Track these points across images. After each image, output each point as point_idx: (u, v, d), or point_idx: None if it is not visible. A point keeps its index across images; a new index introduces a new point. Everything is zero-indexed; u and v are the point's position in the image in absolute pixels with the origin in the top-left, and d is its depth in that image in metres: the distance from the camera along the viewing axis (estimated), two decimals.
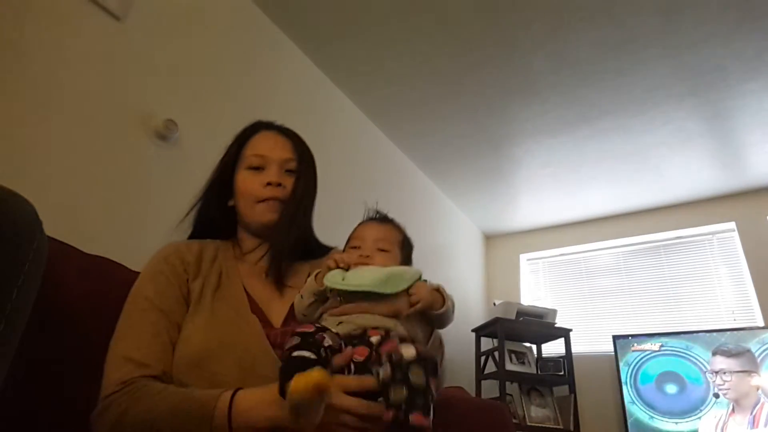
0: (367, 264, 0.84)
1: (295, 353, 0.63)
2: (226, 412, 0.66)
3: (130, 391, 0.73)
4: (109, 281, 1.04)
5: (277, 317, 0.88)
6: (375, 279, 0.76)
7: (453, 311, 0.85)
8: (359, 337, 0.71)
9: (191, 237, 1.02)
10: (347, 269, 0.81)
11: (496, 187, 3.59)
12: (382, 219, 0.95)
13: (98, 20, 1.59)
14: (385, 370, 0.61)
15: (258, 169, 0.97)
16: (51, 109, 1.42)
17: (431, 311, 0.80)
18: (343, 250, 0.92)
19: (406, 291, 0.78)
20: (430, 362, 0.62)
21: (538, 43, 2.31)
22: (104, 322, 0.92)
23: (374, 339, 0.70)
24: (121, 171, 1.58)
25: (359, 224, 0.95)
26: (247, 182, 0.96)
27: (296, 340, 0.66)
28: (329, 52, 2.43)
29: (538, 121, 2.85)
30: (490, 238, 4.34)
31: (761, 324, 3.00)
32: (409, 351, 0.62)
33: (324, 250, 1.04)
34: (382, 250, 0.87)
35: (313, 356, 0.63)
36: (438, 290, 0.83)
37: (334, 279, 0.78)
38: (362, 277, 0.78)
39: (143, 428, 0.70)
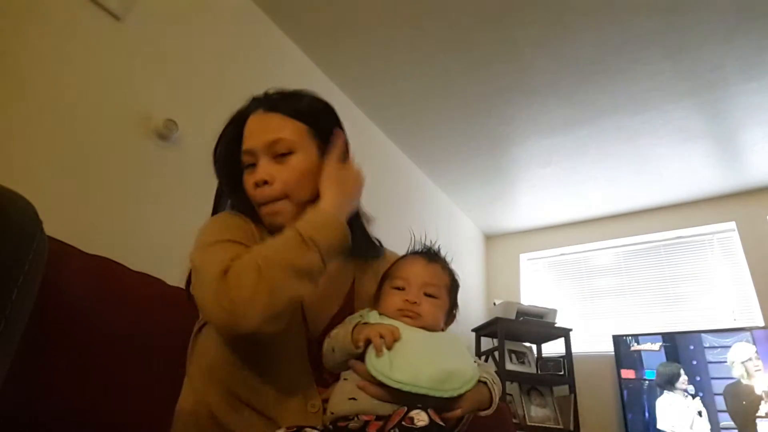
0: (414, 314, 0.75)
1: None
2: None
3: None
4: (109, 281, 1.05)
5: (318, 320, 0.81)
6: (432, 379, 0.65)
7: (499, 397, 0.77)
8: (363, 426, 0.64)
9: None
10: (391, 344, 0.68)
11: (496, 186, 3.59)
12: (431, 257, 0.85)
13: (98, 20, 1.59)
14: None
15: (251, 166, 0.84)
16: (51, 108, 1.43)
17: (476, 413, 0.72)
18: (380, 287, 0.83)
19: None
20: (441, 428, 0.60)
21: (538, 43, 2.31)
22: (104, 322, 0.92)
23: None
24: (121, 171, 1.58)
25: (403, 258, 0.85)
26: (246, 185, 0.85)
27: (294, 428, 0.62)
28: (329, 52, 2.43)
29: (538, 121, 2.85)
30: (490, 238, 4.34)
31: (761, 324, 3.00)
32: (420, 418, 0.59)
33: (372, 246, 0.94)
34: (430, 296, 0.78)
35: None
36: (486, 385, 0.74)
37: (382, 367, 0.65)
38: (417, 373, 0.65)
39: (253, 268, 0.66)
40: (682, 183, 3.36)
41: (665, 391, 2.95)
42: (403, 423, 0.58)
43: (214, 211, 0.91)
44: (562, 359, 3.18)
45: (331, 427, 0.66)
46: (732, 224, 3.37)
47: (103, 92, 1.57)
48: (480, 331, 3.31)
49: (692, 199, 3.53)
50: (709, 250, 3.47)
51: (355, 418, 0.65)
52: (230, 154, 0.87)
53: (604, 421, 3.19)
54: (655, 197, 3.57)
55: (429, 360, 0.68)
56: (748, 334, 2.87)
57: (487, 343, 3.29)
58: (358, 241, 0.88)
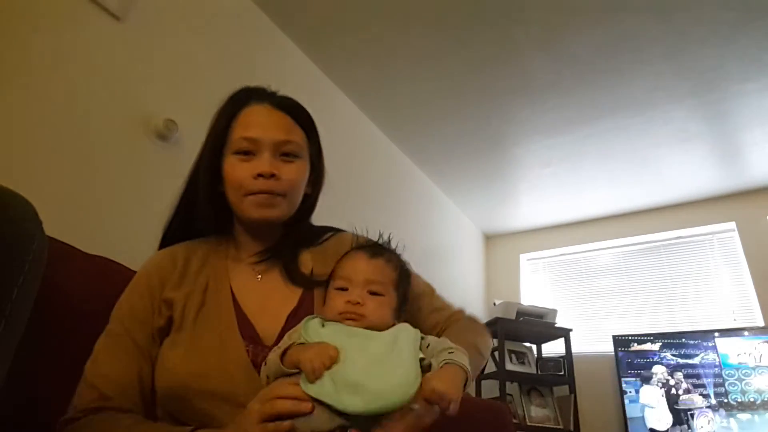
0: (357, 315, 0.70)
1: None
2: None
3: (88, 421, 0.71)
4: (109, 281, 1.04)
5: (271, 326, 0.77)
6: (399, 391, 0.59)
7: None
8: None
9: (169, 230, 0.91)
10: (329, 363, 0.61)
11: (496, 186, 3.59)
12: (374, 251, 0.79)
13: (98, 20, 1.59)
14: None
15: (247, 154, 0.81)
16: (51, 108, 1.42)
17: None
18: (326, 289, 0.79)
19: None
20: None
21: (538, 43, 2.31)
22: (104, 322, 0.92)
23: None
24: (121, 171, 1.58)
25: (346, 256, 0.80)
26: (235, 170, 0.81)
27: None
28: (329, 51, 2.43)
29: (538, 121, 2.85)
30: (490, 238, 4.34)
31: (761, 324, 3.00)
32: None
33: (318, 232, 0.93)
34: (375, 294, 0.73)
35: None
36: (455, 363, 0.64)
37: (326, 391, 0.59)
38: (377, 390, 0.59)
39: None
40: (682, 183, 3.36)
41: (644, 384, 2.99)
42: None
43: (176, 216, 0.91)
44: (562, 359, 3.18)
45: None
46: (732, 224, 3.37)
47: (103, 92, 1.57)
48: None
49: (692, 200, 3.53)
50: (709, 251, 3.47)
51: None
52: (218, 136, 0.85)
53: (604, 421, 3.19)
54: (655, 197, 3.57)
55: (387, 369, 0.62)
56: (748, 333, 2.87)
57: None
58: (305, 236, 0.90)
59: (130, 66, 1.66)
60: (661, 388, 2.96)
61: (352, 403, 0.58)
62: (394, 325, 0.72)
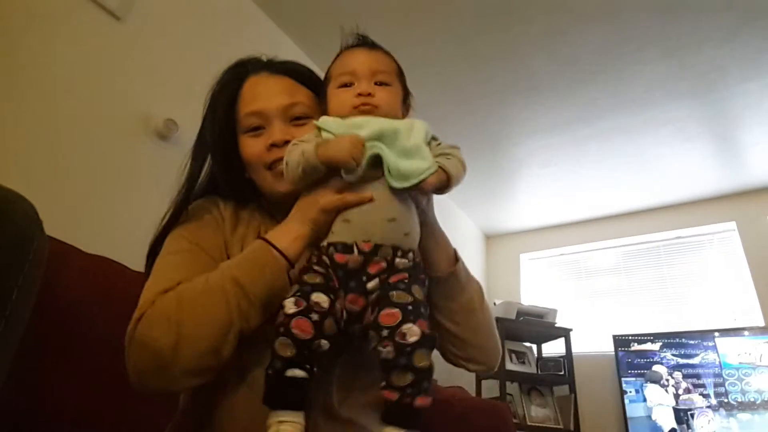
0: (370, 106, 0.68)
1: (289, 372, 0.56)
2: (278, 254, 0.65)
3: (164, 299, 0.64)
4: (109, 281, 1.05)
5: None
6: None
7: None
8: (359, 260, 0.62)
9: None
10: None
11: (496, 186, 3.59)
12: (371, 44, 0.76)
13: (98, 20, 1.59)
14: (387, 352, 0.56)
15: (258, 129, 0.78)
16: (51, 108, 1.43)
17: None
18: (325, 89, 0.74)
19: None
20: (433, 340, 0.58)
21: (538, 43, 2.31)
22: (104, 322, 0.92)
23: (372, 284, 0.61)
24: (121, 170, 1.58)
25: (340, 55, 0.76)
26: (248, 148, 0.78)
27: (291, 350, 0.57)
28: (330, 52, 2.42)
29: (538, 121, 2.85)
30: (490, 238, 4.34)
31: (761, 324, 3.00)
32: (413, 332, 0.56)
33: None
34: (382, 84, 0.71)
35: (306, 376, 0.57)
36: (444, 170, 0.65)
37: (386, 152, 0.62)
38: (414, 162, 0.64)
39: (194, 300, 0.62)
40: (682, 183, 3.36)
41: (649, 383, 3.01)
42: (396, 339, 0.56)
43: (186, 194, 0.81)
44: (562, 359, 3.18)
45: (328, 261, 0.63)
46: (732, 224, 3.37)
47: (103, 92, 1.57)
48: None
49: (692, 199, 3.53)
50: (709, 251, 3.47)
51: (354, 249, 0.62)
52: (223, 118, 0.81)
53: (604, 421, 3.19)
54: (655, 197, 3.57)
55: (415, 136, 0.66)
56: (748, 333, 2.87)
57: None
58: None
59: (130, 66, 1.66)
60: (663, 387, 2.96)
61: (409, 167, 0.62)
62: (403, 117, 0.73)
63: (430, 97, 2.71)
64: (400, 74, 0.77)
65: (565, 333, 3.22)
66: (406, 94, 0.77)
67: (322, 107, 0.77)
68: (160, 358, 0.59)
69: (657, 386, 2.97)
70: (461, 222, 3.95)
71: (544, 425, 3.00)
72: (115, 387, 0.95)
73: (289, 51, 2.38)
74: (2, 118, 1.32)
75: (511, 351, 3.14)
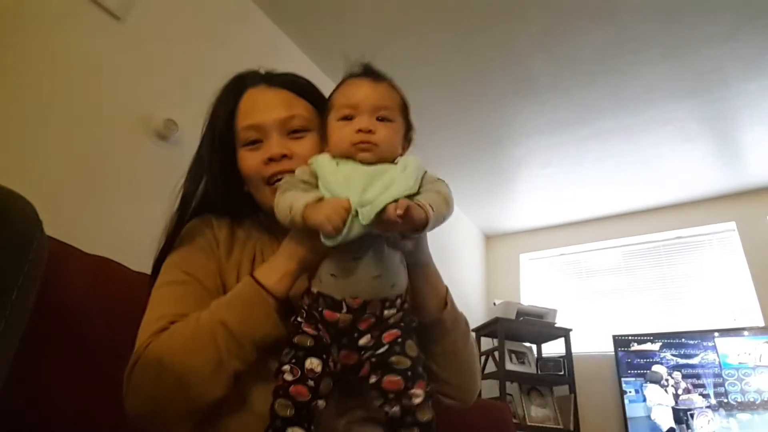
0: (370, 145, 0.66)
1: (289, 431, 0.59)
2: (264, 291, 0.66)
3: (157, 341, 0.65)
4: (109, 281, 1.05)
5: None
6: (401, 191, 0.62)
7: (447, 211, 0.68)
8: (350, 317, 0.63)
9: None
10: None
11: (496, 186, 3.59)
12: (376, 76, 0.73)
13: (98, 20, 1.59)
14: (394, 412, 0.60)
15: (255, 143, 0.78)
16: (51, 108, 1.42)
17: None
18: (325, 120, 0.72)
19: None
20: (431, 395, 0.63)
21: (538, 44, 2.31)
22: (104, 322, 0.92)
23: (364, 340, 0.64)
24: (121, 171, 1.58)
25: (343, 84, 0.74)
26: (246, 162, 0.78)
27: (290, 410, 0.59)
28: (329, 51, 2.42)
29: (538, 121, 2.85)
30: (490, 238, 4.34)
31: (761, 324, 3.00)
32: (416, 395, 0.60)
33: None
34: (384, 120, 0.69)
35: None
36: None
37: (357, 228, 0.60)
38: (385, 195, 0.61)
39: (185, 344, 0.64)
40: (682, 183, 3.36)
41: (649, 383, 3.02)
42: (402, 401, 0.60)
43: (183, 209, 0.81)
44: (562, 359, 3.19)
45: (318, 317, 0.65)
46: (732, 224, 3.37)
47: (103, 92, 1.57)
48: (480, 331, 3.31)
49: (692, 199, 3.53)
50: (709, 251, 3.47)
51: (343, 306, 0.64)
52: (223, 132, 0.81)
53: (604, 421, 3.19)
54: (655, 197, 3.57)
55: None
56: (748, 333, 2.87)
57: (487, 343, 3.29)
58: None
59: (130, 66, 1.66)
60: (662, 387, 2.97)
61: (372, 210, 0.59)
62: (401, 155, 0.71)
63: (429, 98, 2.71)
64: (404, 108, 0.74)
65: (564, 333, 3.23)
66: (408, 128, 0.75)
67: (321, 127, 0.76)
68: (155, 404, 0.63)
69: (657, 386, 2.97)
70: (461, 222, 3.95)
71: (543, 425, 3.00)
72: (115, 387, 0.95)
73: (289, 51, 2.38)
74: (2, 118, 1.32)
75: (510, 351, 3.14)
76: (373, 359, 0.63)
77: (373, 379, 0.62)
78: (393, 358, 0.62)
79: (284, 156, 0.74)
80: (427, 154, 3.26)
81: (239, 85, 0.83)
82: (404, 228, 0.60)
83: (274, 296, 0.66)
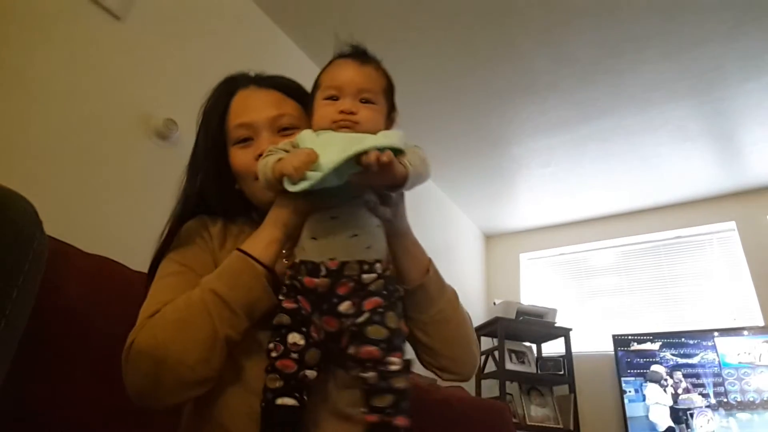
0: (351, 123, 0.69)
1: (279, 401, 0.62)
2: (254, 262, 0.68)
3: (149, 323, 0.67)
4: (109, 281, 1.05)
5: None
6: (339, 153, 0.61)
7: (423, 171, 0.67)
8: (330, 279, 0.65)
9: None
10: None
11: (496, 186, 3.59)
12: (363, 58, 0.76)
13: (98, 20, 1.59)
14: (371, 377, 0.61)
15: (246, 140, 0.81)
16: (51, 108, 1.43)
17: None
18: (312, 101, 0.75)
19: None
20: (408, 367, 0.64)
21: (538, 43, 2.31)
22: (104, 321, 0.92)
23: (344, 306, 0.64)
24: (121, 170, 1.58)
25: (331, 64, 0.76)
26: (238, 159, 0.81)
27: (278, 382, 0.62)
28: (329, 52, 2.42)
29: (538, 121, 2.85)
30: (490, 238, 4.35)
31: (761, 323, 3.00)
32: (393, 363, 0.62)
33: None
34: (367, 102, 0.71)
35: (296, 403, 0.62)
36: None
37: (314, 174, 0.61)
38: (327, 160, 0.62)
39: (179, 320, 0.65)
40: (681, 183, 3.37)
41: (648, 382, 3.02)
42: (378, 368, 0.61)
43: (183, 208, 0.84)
44: (561, 359, 3.19)
45: (299, 286, 0.66)
46: (732, 224, 3.38)
47: (103, 92, 1.57)
48: (480, 331, 3.30)
49: (692, 199, 3.53)
50: (708, 250, 3.47)
51: (322, 269, 0.65)
52: (215, 131, 0.84)
53: (604, 421, 3.19)
54: (654, 197, 3.57)
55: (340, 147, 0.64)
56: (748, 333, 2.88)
57: (487, 342, 3.30)
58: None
59: (130, 66, 1.66)
60: (662, 387, 2.97)
61: (338, 156, 0.60)
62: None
63: (429, 97, 2.71)
64: (388, 90, 0.77)
65: (564, 333, 3.23)
66: (391, 110, 0.77)
67: (309, 115, 0.78)
68: (154, 377, 0.63)
69: (656, 386, 2.98)
70: (461, 222, 3.95)
71: (543, 425, 3.00)
72: (116, 386, 0.95)
73: (289, 50, 2.38)
74: (2, 117, 1.32)
75: (510, 351, 3.14)
76: (353, 328, 0.64)
77: (351, 350, 0.64)
78: (370, 328, 0.63)
79: None
80: (427, 154, 3.25)
81: (230, 86, 0.86)
82: (383, 179, 0.62)
83: (262, 263, 0.68)
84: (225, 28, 2.06)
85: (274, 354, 0.64)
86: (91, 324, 0.95)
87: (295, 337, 0.64)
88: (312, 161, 0.62)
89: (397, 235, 0.74)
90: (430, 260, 0.78)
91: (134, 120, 1.65)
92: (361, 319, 0.64)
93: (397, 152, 0.63)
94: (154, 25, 1.76)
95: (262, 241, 0.70)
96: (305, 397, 0.63)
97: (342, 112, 0.69)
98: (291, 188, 0.62)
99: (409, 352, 0.73)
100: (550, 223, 4.04)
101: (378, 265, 0.67)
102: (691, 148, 3.00)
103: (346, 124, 0.69)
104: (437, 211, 3.59)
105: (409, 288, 0.74)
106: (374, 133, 0.69)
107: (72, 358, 0.91)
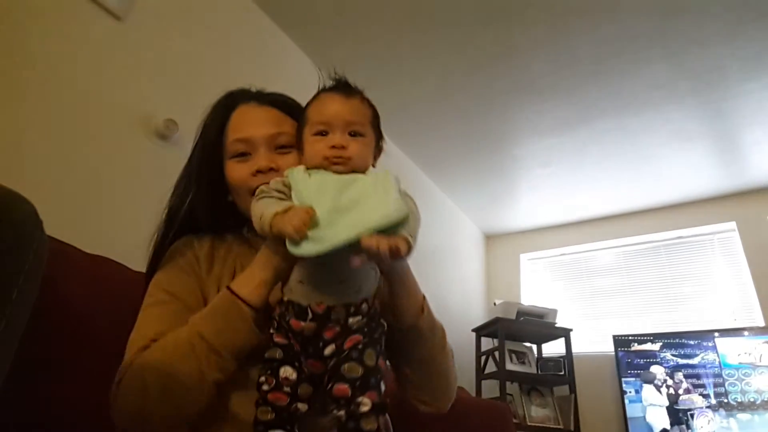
0: (342, 159, 0.69)
1: None
2: (239, 301, 0.68)
3: (140, 359, 0.68)
4: (109, 281, 1.05)
5: None
6: (384, 216, 0.62)
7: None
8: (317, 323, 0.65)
9: (163, 244, 0.86)
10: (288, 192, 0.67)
11: (496, 186, 3.59)
12: (348, 91, 0.76)
13: (98, 20, 1.59)
14: (340, 416, 0.61)
15: (243, 155, 0.82)
16: (51, 108, 1.43)
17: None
18: (300, 135, 0.76)
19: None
20: (382, 407, 0.62)
21: (538, 43, 2.31)
22: (104, 321, 0.92)
23: (329, 350, 0.65)
24: (121, 170, 1.58)
25: (317, 98, 0.77)
26: (234, 173, 0.82)
27: (270, 414, 0.62)
28: (330, 52, 2.42)
29: (538, 121, 2.85)
30: (490, 238, 4.34)
31: (761, 324, 3.00)
32: (364, 404, 0.61)
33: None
34: (356, 134, 0.72)
35: None
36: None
37: (318, 239, 0.61)
38: (363, 216, 0.62)
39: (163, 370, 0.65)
40: (682, 183, 3.36)
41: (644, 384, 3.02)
42: (350, 407, 0.60)
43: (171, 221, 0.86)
44: (562, 359, 3.18)
45: (286, 327, 0.67)
46: (732, 224, 3.37)
47: (104, 92, 1.57)
48: (480, 331, 3.31)
49: (692, 199, 3.53)
50: (709, 250, 3.47)
51: (308, 312, 0.65)
52: (212, 144, 0.85)
53: (605, 421, 3.19)
54: (655, 197, 3.57)
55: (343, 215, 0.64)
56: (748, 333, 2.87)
57: (487, 343, 3.29)
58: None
59: (130, 66, 1.66)
60: (660, 388, 2.97)
61: (348, 233, 0.61)
62: (373, 165, 0.76)
63: (430, 97, 2.71)
64: (375, 120, 0.78)
65: (565, 333, 3.22)
66: (379, 138, 0.79)
67: (299, 145, 0.79)
68: (141, 416, 0.65)
69: (651, 387, 2.97)
70: (461, 222, 3.95)
71: (544, 425, 3.00)
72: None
73: (290, 51, 2.38)
74: (2, 118, 1.32)
75: (511, 351, 3.14)
76: (333, 366, 0.64)
77: (328, 387, 0.63)
78: (345, 365, 0.63)
79: (271, 169, 0.79)
80: (427, 155, 3.28)
81: (230, 101, 0.88)
82: (385, 260, 0.61)
83: (250, 305, 0.69)
84: (225, 28, 2.06)
85: (265, 387, 0.64)
86: (91, 324, 0.95)
87: (287, 371, 0.64)
88: (310, 220, 0.62)
89: (395, 272, 0.74)
90: (424, 297, 0.79)
91: (134, 120, 1.65)
92: (341, 356, 0.64)
93: (399, 225, 0.63)
94: (155, 25, 1.76)
95: (252, 282, 0.70)
96: (296, 431, 0.63)
97: (333, 147, 0.70)
98: (293, 251, 0.62)
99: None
100: (551, 223, 4.04)
101: (364, 306, 0.67)
102: (691, 149, 3.00)
103: (338, 161, 0.70)
104: (437, 211, 3.58)
105: (403, 328, 0.74)
106: (364, 167, 0.72)
107: (72, 358, 0.91)
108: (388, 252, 0.58)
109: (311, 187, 0.67)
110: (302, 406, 0.64)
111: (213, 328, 0.67)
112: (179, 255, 0.82)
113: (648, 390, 2.98)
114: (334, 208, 0.64)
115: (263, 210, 0.67)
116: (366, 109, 0.76)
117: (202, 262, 0.82)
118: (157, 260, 0.83)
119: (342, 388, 0.62)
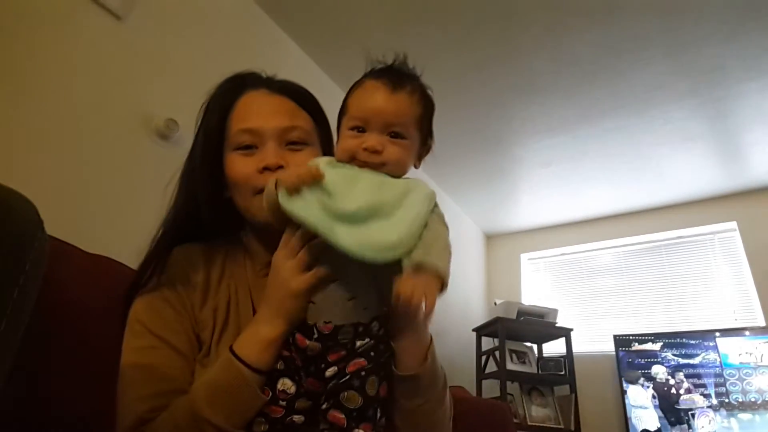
0: (376, 165, 0.61)
1: None
2: (240, 364, 0.62)
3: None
4: (110, 281, 1.04)
5: None
6: (391, 249, 0.55)
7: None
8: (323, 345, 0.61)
9: (161, 243, 0.78)
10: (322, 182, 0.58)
11: (496, 186, 3.59)
12: (395, 82, 0.66)
13: (99, 20, 1.59)
14: None
15: (249, 148, 0.72)
16: (52, 108, 1.43)
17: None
18: (338, 131, 0.67)
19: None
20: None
21: (539, 43, 2.31)
22: (105, 321, 0.92)
23: (330, 371, 0.61)
24: (121, 170, 1.58)
25: (359, 86, 0.67)
26: (238, 167, 0.72)
27: (264, 426, 0.60)
28: (330, 52, 2.42)
29: (538, 121, 2.85)
30: (490, 238, 4.34)
31: (762, 324, 3.00)
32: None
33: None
34: (396, 136, 0.63)
35: None
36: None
37: (312, 213, 0.56)
38: (373, 239, 0.56)
39: None
40: (683, 183, 3.36)
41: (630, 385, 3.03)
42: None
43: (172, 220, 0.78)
44: (562, 359, 3.18)
45: (291, 340, 0.62)
46: (733, 224, 3.37)
47: (104, 92, 1.57)
48: (481, 331, 3.30)
49: (693, 199, 3.53)
50: (710, 250, 3.47)
51: (314, 331, 0.61)
52: (214, 132, 0.75)
53: (605, 421, 3.19)
54: (655, 197, 3.56)
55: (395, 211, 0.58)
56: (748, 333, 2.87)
57: (487, 342, 3.29)
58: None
59: (130, 65, 1.66)
60: (651, 389, 2.96)
61: (345, 239, 0.55)
62: (416, 166, 0.68)
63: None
64: (425, 117, 0.68)
65: (565, 333, 3.22)
66: (427, 137, 0.69)
67: (319, 142, 0.74)
68: None
69: (638, 387, 2.97)
70: (462, 222, 3.95)
71: (544, 425, 3.00)
72: (116, 386, 0.95)
73: (291, 51, 2.38)
74: (2, 118, 1.32)
75: (511, 351, 3.14)
76: (332, 387, 0.61)
77: (324, 406, 0.60)
78: (345, 394, 0.59)
79: (280, 167, 0.70)
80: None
81: (238, 84, 0.78)
82: (417, 316, 0.57)
83: (258, 371, 0.61)
84: (226, 28, 2.06)
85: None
86: (91, 324, 0.95)
87: (286, 383, 0.61)
88: (315, 178, 0.57)
89: (415, 326, 0.66)
90: (431, 340, 0.69)
91: (135, 120, 1.65)
92: (342, 380, 0.60)
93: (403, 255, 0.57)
94: (155, 25, 1.76)
95: (260, 342, 0.62)
96: None
97: (365, 150, 0.61)
98: (283, 202, 0.57)
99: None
100: (551, 223, 4.04)
101: (374, 325, 0.63)
102: (691, 148, 3.00)
103: (371, 165, 0.62)
104: None
105: (401, 375, 0.65)
106: (400, 174, 0.64)
107: (72, 358, 0.91)
108: (422, 308, 0.52)
109: (334, 177, 0.60)
110: (298, 419, 0.61)
111: (222, 414, 0.60)
112: (170, 287, 0.73)
113: (634, 390, 2.98)
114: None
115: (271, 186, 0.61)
116: (414, 106, 0.66)
117: (198, 291, 0.73)
118: (153, 261, 0.75)
119: (338, 417, 0.58)
